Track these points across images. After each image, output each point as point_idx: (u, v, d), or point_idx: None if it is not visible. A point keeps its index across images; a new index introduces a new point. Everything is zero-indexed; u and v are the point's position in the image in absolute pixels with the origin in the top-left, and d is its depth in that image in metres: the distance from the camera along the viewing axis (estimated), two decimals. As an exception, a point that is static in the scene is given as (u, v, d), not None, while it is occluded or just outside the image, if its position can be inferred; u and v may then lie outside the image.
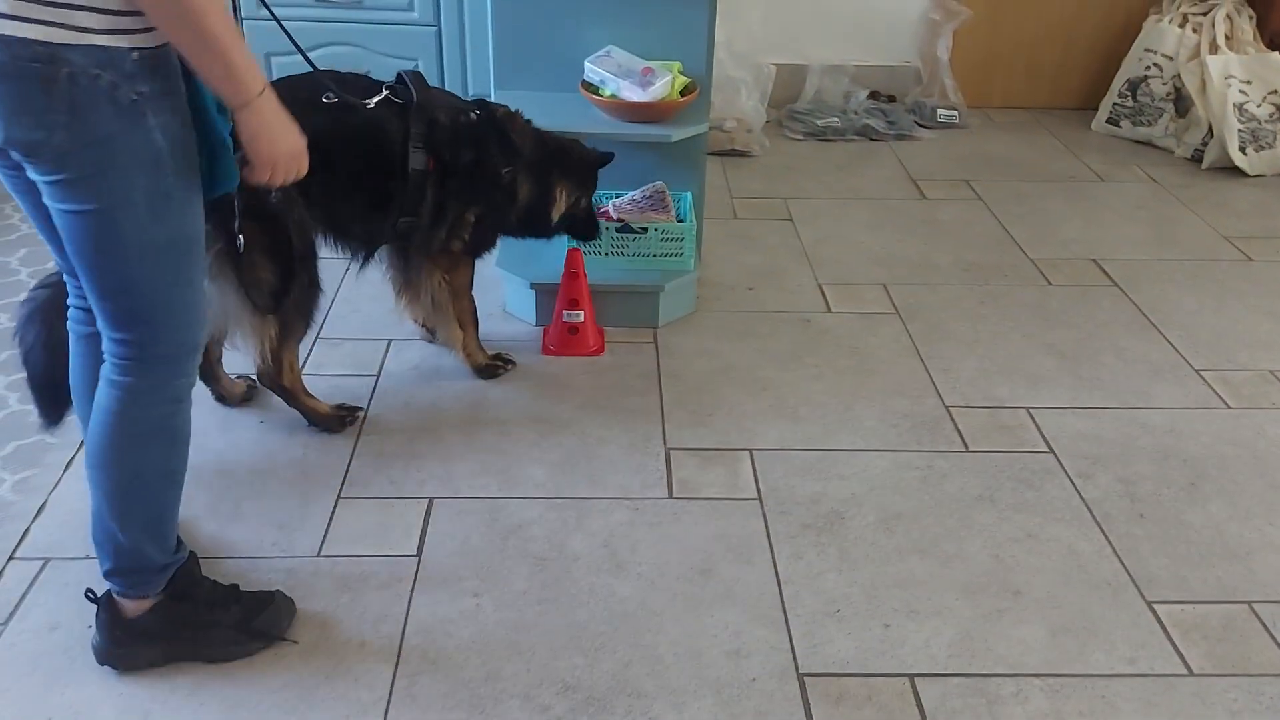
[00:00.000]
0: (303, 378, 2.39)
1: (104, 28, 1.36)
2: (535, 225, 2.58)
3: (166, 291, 1.57)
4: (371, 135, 2.25)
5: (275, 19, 1.96)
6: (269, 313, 2.18)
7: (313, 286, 2.27)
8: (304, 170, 1.61)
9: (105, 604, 1.76)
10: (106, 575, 1.74)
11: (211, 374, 2.43)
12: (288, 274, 2.14)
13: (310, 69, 2.04)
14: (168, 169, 1.48)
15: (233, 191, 1.65)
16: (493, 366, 2.64)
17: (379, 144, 2.26)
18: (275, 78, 3.68)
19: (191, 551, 1.82)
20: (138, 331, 1.58)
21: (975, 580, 2.05)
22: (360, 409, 2.47)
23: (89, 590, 1.77)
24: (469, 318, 2.60)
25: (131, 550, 1.71)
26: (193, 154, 1.53)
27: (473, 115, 2.37)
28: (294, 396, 2.36)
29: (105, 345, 1.61)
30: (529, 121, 2.49)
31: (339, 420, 2.41)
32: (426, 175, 2.29)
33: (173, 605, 1.77)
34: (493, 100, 2.54)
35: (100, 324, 1.60)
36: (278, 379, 2.31)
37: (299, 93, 2.14)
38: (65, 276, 1.75)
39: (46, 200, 1.48)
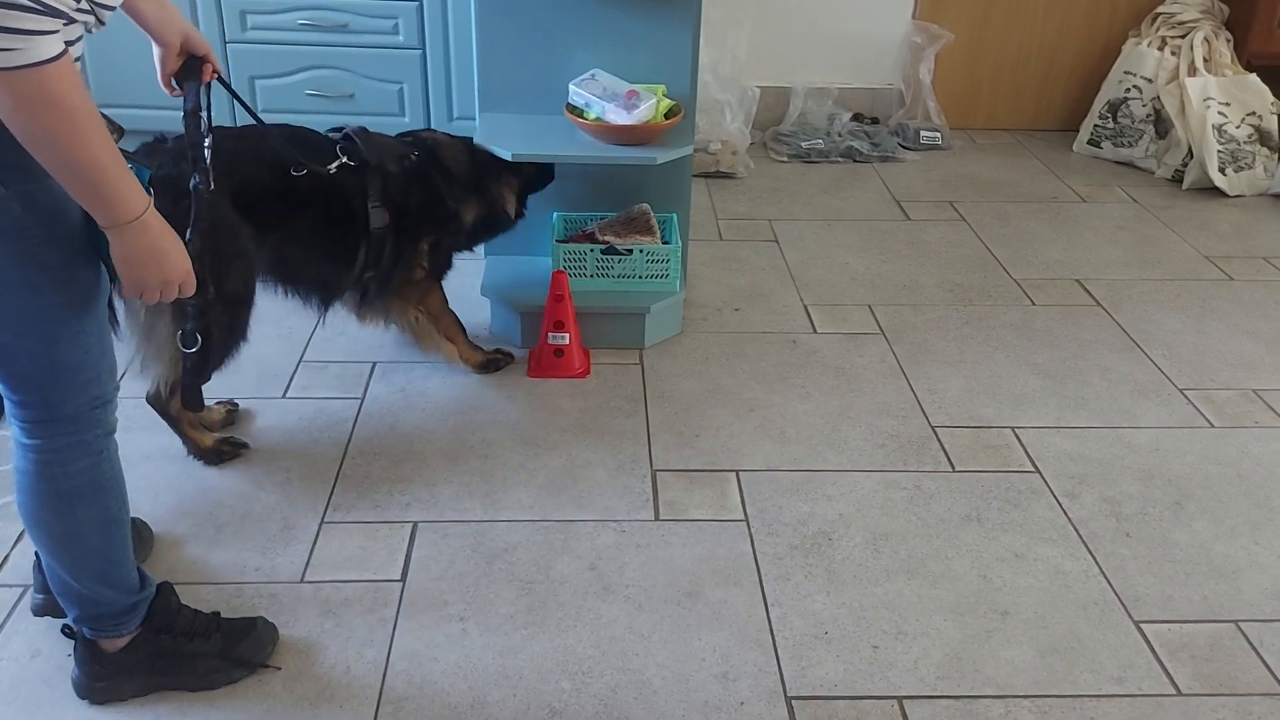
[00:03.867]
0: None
1: None
2: (497, 227, 2.72)
3: (58, 355, 1.49)
4: (333, 199, 2.33)
5: (229, 89, 1.96)
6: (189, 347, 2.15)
7: (237, 334, 2.23)
8: (188, 292, 1.51)
9: (82, 640, 1.73)
10: (75, 622, 1.72)
11: (175, 421, 2.31)
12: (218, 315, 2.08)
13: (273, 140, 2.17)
14: (35, 239, 1.41)
15: None
16: (492, 361, 2.71)
17: (340, 207, 2.35)
18: (259, 99, 3.71)
19: (165, 582, 1.79)
20: (35, 394, 1.52)
21: (963, 601, 2.04)
22: (246, 444, 2.40)
23: (65, 625, 1.75)
24: (455, 330, 2.68)
25: (93, 598, 1.67)
26: (71, 221, 1.43)
27: (413, 157, 2.47)
28: (177, 425, 2.31)
29: (7, 408, 1.54)
30: (452, 137, 2.64)
31: (218, 454, 2.34)
32: (386, 229, 2.40)
33: (151, 638, 1.74)
34: (422, 130, 2.71)
35: (2, 391, 1.53)
36: (168, 406, 2.28)
37: (264, 151, 2.21)
38: None
39: None
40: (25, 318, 1.46)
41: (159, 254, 1.44)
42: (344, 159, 2.31)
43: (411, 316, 2.60)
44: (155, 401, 2.28)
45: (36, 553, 1.88)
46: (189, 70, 1.74)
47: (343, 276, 2.45)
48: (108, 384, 1.59)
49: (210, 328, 1.82)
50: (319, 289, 2.47)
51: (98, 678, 1.74)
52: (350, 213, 2.36)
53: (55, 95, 1.25)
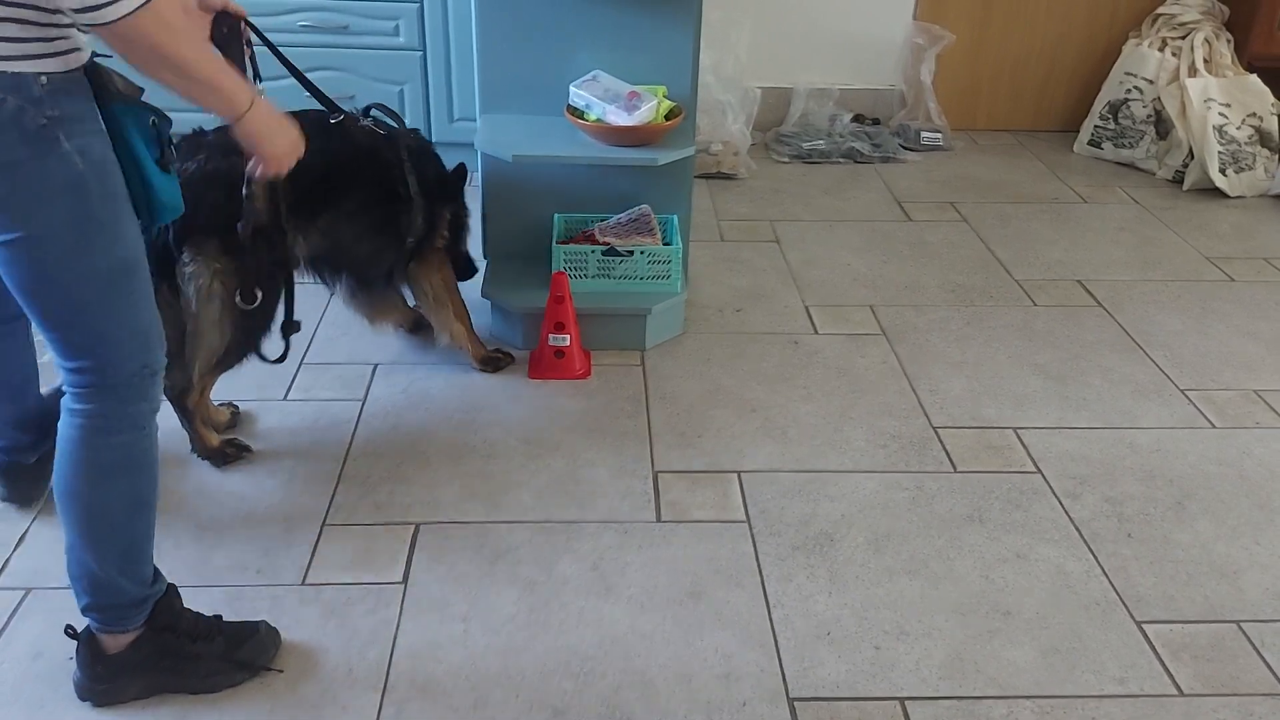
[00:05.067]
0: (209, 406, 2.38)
1: (6, 54, 1.35)
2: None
3: (112, 317, 1.54)
4: (375, 169, 2.41)
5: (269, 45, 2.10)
6: (230, 336, 2.21)
7: (255, 339, 2.28)
8: (301, 152, 1.75)
9: (85, 640, 1.73)
10: (84, 611, 1.71)
11: (191, 417, 2.32)
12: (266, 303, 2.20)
13: (307, 90, 2.29)
14: (93, 194, 1.46)
15: (170, 222, 1.74)
16: (494, 359, 2.74)
17: (382, 176, 2.42)
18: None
19: (171, 584, 1.79)
20: (90, 359, 1.55)
21: (965, 601, 2.04)
22: (250, 448, 2.40)
23: (69, 626, 1.74)
24: (465, 314, 2.71)
25: (108, 584, 1.68)
26: (119, 178, 1.50)
27: (415, 136, 2.58)
28: (191, 420, 2.32)
29: (62, 376, 1.59)
30: None
31: (223, 455, 2.34)
32: (420, 195, 2.47)
33: (154, 638, 1.74)
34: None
35: (53, 355, 1.58)
36: (186, 398, 2.28)
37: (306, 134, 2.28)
38: None
39: None
40: (84, 281, 1.50)
41: (278, 123, 1.68)
42: (370, 121, 2.41)
43: (430, 282, 2.61)
44: (176, 394, 2.27)
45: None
46: (228, 36, 1.85)
47: (390, 248, 2.49)
48: (157, 350, 1.62)
49: (277, 286, 2.11)
50: (365, 266, 2.51)
51: (99, 679, 1.74)
52: (391, 180, 2.42)
53: (173, 22, 1.40)
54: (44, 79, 1.38)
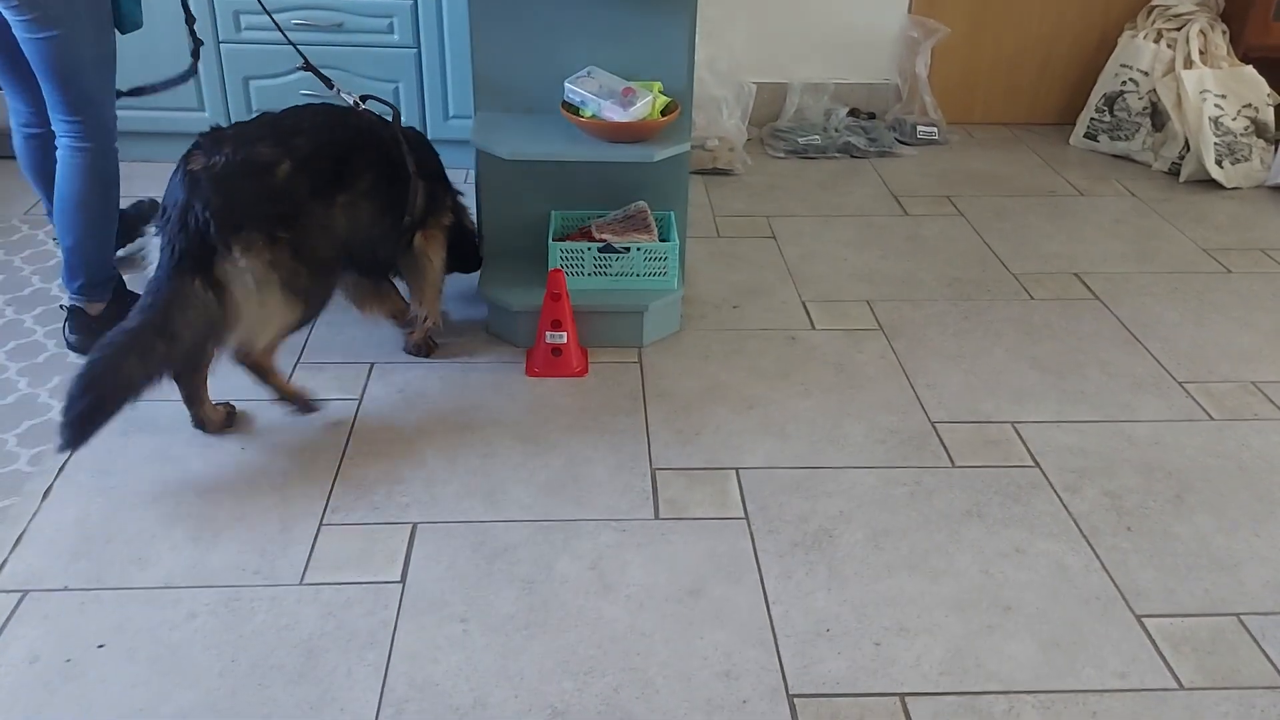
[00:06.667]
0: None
1: None
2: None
3: (106, 88, 2.49)
4: (379, 152, 2.52)
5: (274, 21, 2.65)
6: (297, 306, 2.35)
7: (325, 295, 2.46)
8: None
9: (76, 312, 2.67)
10: (78, 290, 2.64)
11: (195, 396, 2.40)
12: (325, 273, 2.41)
13: (302, 61, 2.65)
14: (100, 4, 2.36)
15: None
16: (431, 347, 2.79)
17: (384, 158, 2.53)
18: (253, 100, 3.70)
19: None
20: (91, 114, 2.47)
21: (965, 596, 2.04)
22: (316, 404, 2.54)
23: (61, 304, 2.70)
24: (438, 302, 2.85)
25: (98, 265, 2.63)
26: None
27: (412, 130, 2.72)
28: (266, 376, 2.45)
29: (65, 129, 2.47)
30: None
31: (305, 404, 2.52)
32: (416, 176, 2.58)
33: (115, 307, 2.60)
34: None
35: (62, 114, 2.46)
36: (263, 360, 2.42)
37: (313, 123, 2.44)
38: (11, 97, 2.62)
39: (19, 33, 2.34)
40: (93, 63, 2.43)
41: None
42: (364, 105, 2.57)
43: (431, 255, 2.69)
44: (249, 359, 2.39)
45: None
46: None
47: (397, 229, 2.57)
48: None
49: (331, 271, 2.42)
50: (375, 247, 2.56)
51: (90, 333, 2.52)
52: (392, 162, 2.53)
53: None
54: None
